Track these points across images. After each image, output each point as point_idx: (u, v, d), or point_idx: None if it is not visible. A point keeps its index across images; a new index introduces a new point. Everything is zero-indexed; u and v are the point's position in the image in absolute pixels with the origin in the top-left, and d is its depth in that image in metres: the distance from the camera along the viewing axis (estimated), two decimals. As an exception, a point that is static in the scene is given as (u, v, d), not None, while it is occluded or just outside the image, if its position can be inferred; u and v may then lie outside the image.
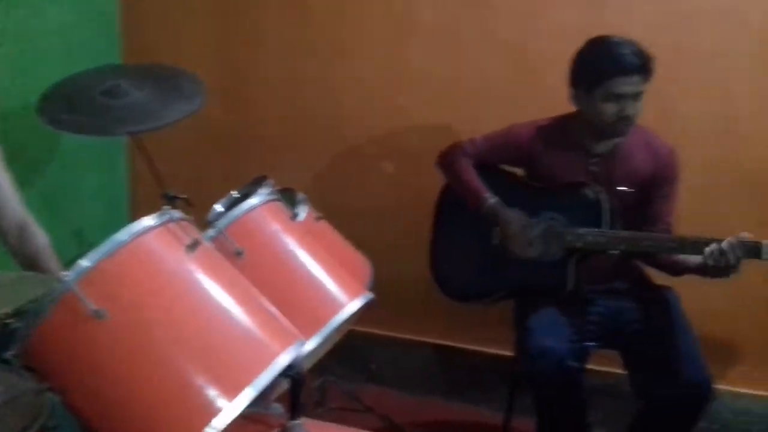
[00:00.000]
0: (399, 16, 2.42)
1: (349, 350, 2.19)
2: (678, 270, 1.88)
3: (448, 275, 2.13)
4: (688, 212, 1.98)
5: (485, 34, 2.35)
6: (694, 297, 1.91)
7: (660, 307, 1.90)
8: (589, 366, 2.01)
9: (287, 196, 1.77)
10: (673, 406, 1.76)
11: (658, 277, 2.00)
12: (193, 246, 1.19)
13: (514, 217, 1.95)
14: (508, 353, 2.25)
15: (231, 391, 1.11)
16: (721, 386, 2.28)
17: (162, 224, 1.21)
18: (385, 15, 2.43)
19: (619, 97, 1.79)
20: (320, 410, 2.32)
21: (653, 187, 1.93)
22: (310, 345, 1.47)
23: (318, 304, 1.59)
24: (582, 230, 1.87)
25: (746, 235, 1.67)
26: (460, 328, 2.56)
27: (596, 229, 1.86)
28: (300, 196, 1.83)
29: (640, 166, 1.91)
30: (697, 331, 1.84)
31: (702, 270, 1.75)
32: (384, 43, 2.46)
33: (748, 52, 2.11)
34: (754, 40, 2.09)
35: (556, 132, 1.98)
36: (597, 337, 1.94)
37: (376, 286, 1.76)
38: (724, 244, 1.66)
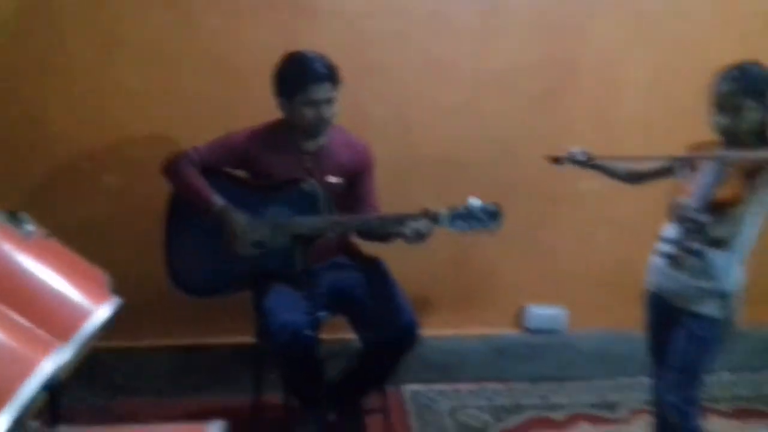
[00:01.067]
0: (105, 32, 2.45)
1: (93, 368, 2.19)
2: (386, 239, 2.23)
3: (187, 275, 2.24)
4: (386, 193, 2.38)
5: (192, 49, 2.49)
6: (399, 262, 2.32)
7: (374, 272, 2.29)
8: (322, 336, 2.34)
9: (9, 217, 1.75)
10: (390, 347, 2.17)
11: (370, 250, 2.38)
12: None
13: (239, 220, 2.13)
14: (249, 340, 2.47)
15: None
16: (426, 333, 2.79)
17: None
18: (90, 31, 2.44)
19: (314, 103, 2.09)
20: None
21: (356, 177, 2.28)
22: (67, 354, 1.53)
23: (67, 316, 1.63)
24: (303, 219, 2.14)
25: (429, 208, 2.07)
26: (201, 325, 2.70)
27: (314, 217, 2.15)
28: (23, 215, 1.81)
29: (344, 160, 2.25)
30: (405, 289, 2.25)
31: (404, 237, 2.10)
32: (91, 60, 2.47)
33: (414, 66, 2.59)
34: (418, 54, 2.58)
35: (270, 136, 2.22)
36: (327, 306, 2.26)
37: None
38: (419, 223, 2.05)
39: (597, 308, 2.86)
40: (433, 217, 2.06)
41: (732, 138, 1.81)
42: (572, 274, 2.86)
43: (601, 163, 2.04)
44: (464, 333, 2.88)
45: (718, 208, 1.72)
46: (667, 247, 1.63)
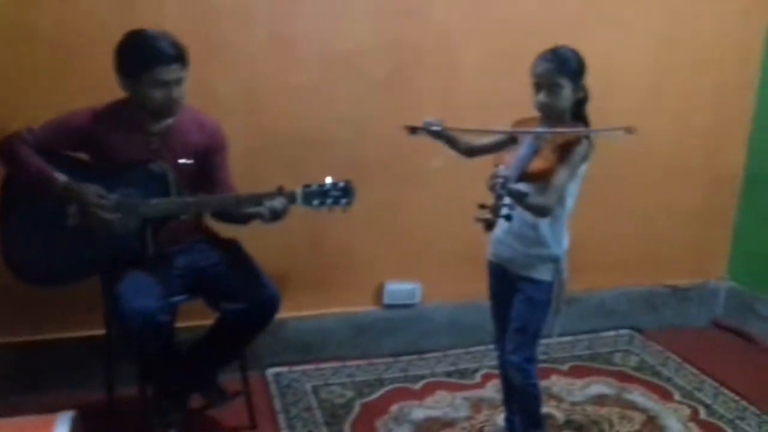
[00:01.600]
0: None
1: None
2: (244, 221, 2.20)
3: (30, 264, 2.12)
4: (239, 173, 2.35)
5: (25, 23, 2.33)
6: (256, 245, 2.32)
7: (229, 251, 2.29)
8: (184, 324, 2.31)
9: None
10: (252, 318, 2.20)
11: (224, 231, 2.36)
12: None
13: (88, 188, 2.04)
14: (100, 331, 2.38)
15: None
16: (287, 314, 2.82)
17: None
18: None
19: (163, 84, 2.04)
20: None
21: (208, 156, 2.24)
22: None
23: None
24: (154, 201, 2.08)
25: (284, 187, 2.08)
26: (48, 319, 2.55)
27: (166, 199, 2.10)
28: None
29: (194, 140, 2.21)
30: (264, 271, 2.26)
31: (261, 217, 2.08)
32: None
33: (261, 44, 2.56)
34: (264, 32, 2.56)
35: (115, 116, 2.13)
36: (184, 290, 2.22)
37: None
38: (276, 201, 2.05)
39: (449, 281, 2.99)
40: (288, 196, 2.08)
41: (550, 114, 1.99)
42: (425, 250, 2.96)
43: (452, 134, 2.14)
44: (325, 312, 2.91)
45: (532, 179, 1.88)
46: (484, 214, 1.75)
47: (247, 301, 2.16)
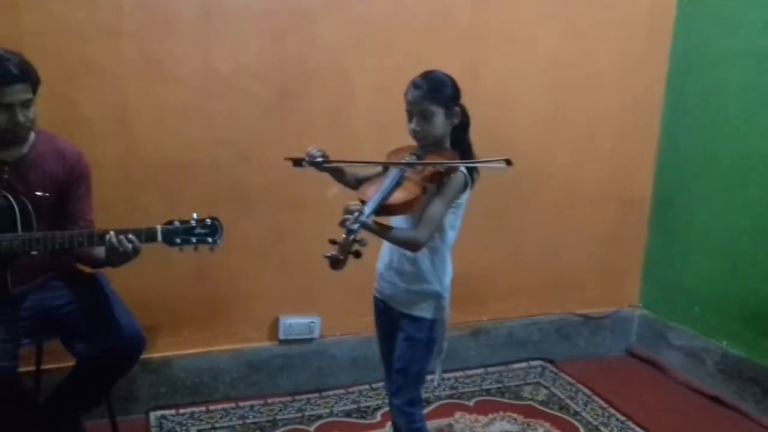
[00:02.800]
0: None
1: None
2: (93, 263, 2.06)
3: None
4: (110, 205, 2.19)
5: None
6: (134, 280, 2.17)
7: (90, 287, 2.10)
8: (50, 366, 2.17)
9: None
10: (111, 359, 1.99)
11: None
12: None
13: None
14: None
15: None
16: (172, 352, 2.63)
17: None
18: None
19: (7, 106, 1.87)
20: None
21: (68, 189, 2.05)
22: None
23: None
24: None
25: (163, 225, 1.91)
26: None
27: (10, 234, 1.90)
28: None
29: (52, 171, 2.02)
30: (144, 308, 2.13)
31: (108, 259, 1.92)
32: None
33: (131, 64, 2.39)
34: (133, 51, 2.38)
35: None
36: (33, 333, 2.02)
37: None
38: (115, 237, 1.86)
39: (350, 314, 2.83)
40: (147, 234, 1.90)
41: (425, 142, 1.87)
42: (324, 281, 2.66)
43: (337, 166, 2.00)
44: (215, 349, 2.71)
45: (393, 211, 1.74)
46: (331, 251, 1.61)
47: (102, 343, 1.96)
